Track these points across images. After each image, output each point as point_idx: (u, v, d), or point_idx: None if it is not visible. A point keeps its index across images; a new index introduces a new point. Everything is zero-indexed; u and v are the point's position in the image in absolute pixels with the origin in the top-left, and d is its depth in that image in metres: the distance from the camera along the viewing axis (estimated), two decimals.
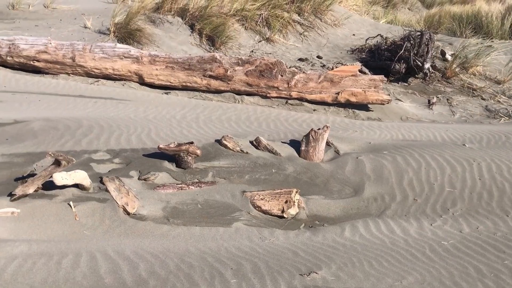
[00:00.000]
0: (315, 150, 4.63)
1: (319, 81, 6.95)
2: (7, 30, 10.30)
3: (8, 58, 7.35)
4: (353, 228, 3.72)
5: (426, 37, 8.61)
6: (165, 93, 7.06)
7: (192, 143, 4.22)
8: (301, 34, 10.88)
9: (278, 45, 10.35)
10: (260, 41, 10.37)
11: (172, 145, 4.16)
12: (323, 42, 10.69)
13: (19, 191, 3.43)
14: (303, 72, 7.19)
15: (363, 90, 6.88)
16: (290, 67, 7.48)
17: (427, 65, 8.57)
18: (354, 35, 11.20)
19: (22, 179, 3.79)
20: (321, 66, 9.24)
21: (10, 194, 3.48)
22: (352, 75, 7.01)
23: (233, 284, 2.79)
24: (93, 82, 7.15)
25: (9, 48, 7.33)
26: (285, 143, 4.91)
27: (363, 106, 7.03)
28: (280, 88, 6.95)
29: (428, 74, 8.64)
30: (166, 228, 3.45)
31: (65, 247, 3.01)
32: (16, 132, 4.61)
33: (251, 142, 4.74)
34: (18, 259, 2.81)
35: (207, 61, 7.03)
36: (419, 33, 8.84)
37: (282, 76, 6.93)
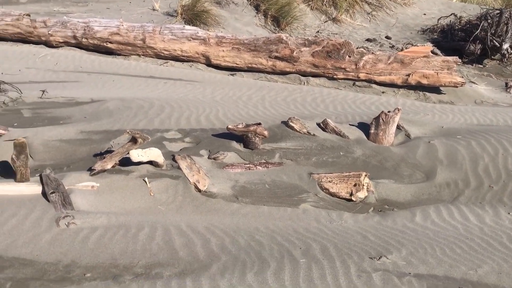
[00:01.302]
0: (385, 133, 4.52)
1: (389, 62, 6.74)
2: (81, 13, 10.77)
3: (83, 39, 7.69)
4: (425, 214, 3.62)
5: (506, 15, 8.09)
6: (230, 74, 7.12)
7: (259, 124, 4.25)
8: (369, 13, 10.57)
9: (344, 25, 10.13)
10: (326, 21, 10.19)
11: (240, 126, 4.22)
12: (392, 22, 10.32)
13: (98, 166, 3.62)
14: (372, 53, 7.00)
15: (435, 72, 6.60)
16: (357, 48, 7.30)
17: (505, 46, 8.07)
18: (425, 14, 10.72)
19: (100, 155, 3.99)
20: (390, 47, 8.96)
21: (90, 169, 3.67)
22: (423, 56, 6.74)
23: (302, 263, 2.81)
24: (162, 64, 7.34)
25: (84, 30, 7.67)
26: (353, 125, 4.83)
27: (434, 89, 6.76)
28: (347, 69, 6.81)
29: (507, 55, 8.13)
30: (235, 206, 3.52)
31: (141, 221, 3.16)
32: (93, 111, 4.85)
33: (318, 124, 4.70)
34: (99, 230, 2.98)
35: (273, 42, 7.01)
36: (498, 11, 8.31)
37: (350, 57, 6.78)
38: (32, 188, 3.37)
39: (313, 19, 10.30)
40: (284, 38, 7.01)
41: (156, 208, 3.44)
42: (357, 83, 6.85)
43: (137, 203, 3.47)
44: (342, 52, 6.78)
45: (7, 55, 7.22)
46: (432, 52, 7.51)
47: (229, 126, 4.23)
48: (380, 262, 2.88)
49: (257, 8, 10.39)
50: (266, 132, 4.24)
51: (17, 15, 8.06)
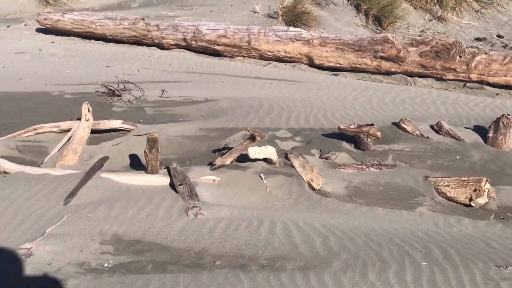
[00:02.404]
0: (505, 138, 4.30)
1: (504, 62, 6.36)
2: (186, 16, 11.38)
3: (192, 42, 8.13)
4: None
5: None
6: (333, 74, 7.14)
7: (372, 125, 4.25)
8: (477, 11, 10.03)
9: (450, 24, 9.71)
10: (430, 20, 9.84)
11: (352, 126, 4.24)
12: (503, 20, 9.71)
13: (218, 161, 3.84)
14: (485, 52, 6.64)
15: None
16: (467, 47, 6.97)
17: None
18: None
19: (218, 151, 4.23)
20: (502, 46, 8.43)
21: (210, 164, 3.91)
22: None
23: (424, 266, 2.79)
24: (266, 64, 7.55)
25: (194, 33, 8.10)
26: (468, 128, 4.65)
27: None
28: (457, 70, 6.54)
29: None
30: (350, 206, 3.56)
31: (261, 215, 3.31)
32: (208, 109, 5.13)
33: (431, 127, 4.59)
34: (224, 222, 3.17)
35: (379, 42, 6.92)
36: None
37: (460, 57, 6.50)
38: (161, 180, 3.66)
39: (417, 18, 9.99)
40: (391, 38, 6.89)
41: (272, 204, 3.58)
42: (467, 84, 6.54)
43: (254, 198, 3.63)
44: (453, 52, 6.52)
45: (125, 56, 7.84)
46: None
47: (341, 127, 4.27)
48: (508, 271, 2.77)
49: (357, 8, 10.29)
50: (379, 133, 4.22)
51: (133, 19, 8.72)
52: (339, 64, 7.16)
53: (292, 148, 4.30)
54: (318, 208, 3.54)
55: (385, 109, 5.39)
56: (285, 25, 9.64)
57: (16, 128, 4.60)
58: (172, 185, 3.58)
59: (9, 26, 11.22)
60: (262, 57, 7.70)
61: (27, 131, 4.37)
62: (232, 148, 3.99)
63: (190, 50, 8.32)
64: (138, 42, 8.82)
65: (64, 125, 4.43)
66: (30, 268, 2.62)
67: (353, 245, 3.00)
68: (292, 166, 3.90)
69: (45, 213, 3.16)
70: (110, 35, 8.98)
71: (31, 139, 4.34)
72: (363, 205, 3.59)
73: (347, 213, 3.49)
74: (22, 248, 2.75)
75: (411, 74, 6.79)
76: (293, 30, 7.54)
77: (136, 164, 4.11)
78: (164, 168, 3.84)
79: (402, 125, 4.55)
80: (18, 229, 3.00)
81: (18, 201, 3.30)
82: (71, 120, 4.59)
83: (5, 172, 3.72)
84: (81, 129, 4.23)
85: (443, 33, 9.33)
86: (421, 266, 2.79)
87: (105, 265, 2.71)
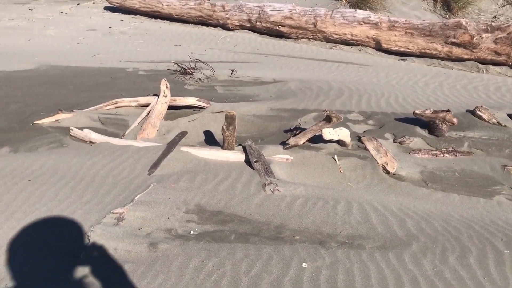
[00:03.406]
0: None
1: None
2: None
3: (257, 23, 8.18)
4: None
5: None
6: (401, 59, 7.01)
7: (448, 111, 4.17)
8: None
9: None
10: (504, 6, 9.39)
11: (428, 112, 4.18)
12: None
13: (292, 141, 3.90)
14: None
15: None
16: None
17: None
18: None
19: (290, 131, 4.29)
20: None
21: (283, 143, 3.98)
22: None
23: (506, 254, 2.75)
24: (331, 47, 7.50)
25: (259, 14, 8.14)
26: None
27: None
28: None
29: None
30: (425, 191, 3.54)
31: (336, 195, 3.36)
32: (277, 90, 5.20)
33: (509, 115, 4.45)
34: (300, 199, 3.24)
35: (451, 27, 6.71)
36: None
37: None
38: (237, 156, 3.77)
39: (489, 3, 9.55)
40: (464, 23, 6.66)
41: (346, 185, 3.62)
42: None
43: (328, 178, 3.67)
44: None
45: (191, 36, 8.01)
46: None
47: (416, 111, 4.22)
48: None
49: None
50: (455, 120, 4.15)
51: (199, 0, 8.86)
52: (408, 48, 7.01)
53: (364, 131, 4.30)
54: (392, 191, 3.55)
55: (458, 95, 5.26)
56: (349, 8, 9.49)
57: (96, 101, 4.85)
58: (247, 162, 3.69)
59: (78, 4, 11.70)
60: (328, 39, 7.65)
61: (108, 104, 4.59)
62: (305, 128, 4.05)
63: (254, 31, 8.38)
64: (203, 22, 8.98)
65: (143, 100, 4.62)
66: (123, 231, 2.80)
67: (431, 229, 3.00)
68: (365, 149, 3.91)
69: (131, 181, 3.35)
70: (176, 15, 9.19)
71: (111, 112, 4.56)
72: (438, 191, 3.56)
73: (423, 198, 3.48)
74: (115, 212, 2.94)
75: (483, 61, 6.56)
76: (361, 13, 7.44)
77: (210, 140, 4.25)
78: (238, 145, 3.95)
79: (478, 112, 4.43)
80: (108, 195, 3.20)
81: (105, 169, 3.51)
82: (147, 95, 4.78)
83: (91, 142, 3.95)
84: (160, 104, 4.41)
85: None
86: (503, 254, 2.76)
87: (191, 232, 2.85)
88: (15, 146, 3.94)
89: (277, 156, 3.81)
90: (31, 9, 10.91)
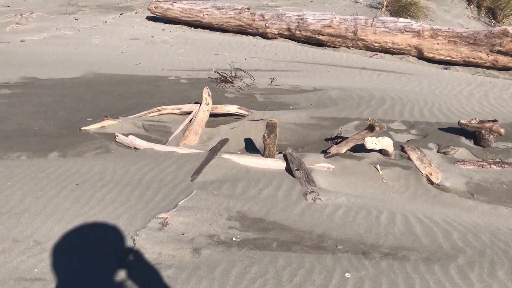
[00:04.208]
0: None
1: None
2: (287, 6, 11.46)
3: (296, 32, 8.20)
4: None
5: None
6: (444, 68, 6.87)
7: (495, 121, 4.05)
8: None
9: None
10: None
11: (473, 122, 4.08)
12: None
13: (333, 150, 3.88)
14: None
15: None
16: None
17: None
18: None
19: (331, 140, 4.27)
20: None
21: (324, 152, 3.96)
22: None
23: None
24: (372, 56, 7.43)
25: (298, 23, 8.16)
26: None
27: None
28: None
29: None
30: (471, 203, 3.45)
31: (378, 205, 3.31)
32: (317, 98, 5.18)
33: None
34: (342, 208, 3.22)
35: (497, 36, 6.53)
36: None
37: None
38: (277, 164, 3.78)
39: None
40: (511, 31, 6.47)
41: (389, 195, 3.56)
42: None
43: (370, 188, 3.63)
44: None
45: (231, 45, 8.11)
46: None
47: (461, 121, 4.13)
48: None
49: None
50: (502, 130, 4.02)
51: (239, 9, 8.97)
52: (451, 57, 6.86)
53: (407, 141, 4.23)
54: (437, 203, 3.47)
55: (504, 105, 5.10)
56: (390, 16, 9.39)
57: (140, 108, 4.97)
58: (288, 170, 3.69)
59: (122, 13, 12.05)
60: (368, 48, 7.58)
61: (152, 112, 4.70)
62: (346, 137, 4.02)
63: (293, 39, 8.41)
64: (242, 31, 9.07)
65: (185, 107, 4.71)
66: (168, 236, 2.85)
67: (477, 242, 2.92)
68: (408, 158, 3.85)
69: (175, 187, 3.41)
70: (216, 24, 9.32)
71: (155, 119, 4.66)
72: (485, 203, 3.46)
73: (469, 210, 3.38)
74: (159, 217, 3.00)
75: None
76: (402, 21, 7.34)
77: (250, 147, 4.28)
78: (279, 153, 3.96)
79: None
80: (153, 200, 3.27)
81: (149, 175, 3.59)
82: (189, 103, 4.86)
83: (136, 148, 4.05)
84: (202, 112, 4.48)
85: None
86: None
87: (233, 239, 2.87)
88: (63, 151, 4.08)
89: (318, 165, 3.80)
90: (77, 19, 11.32)
